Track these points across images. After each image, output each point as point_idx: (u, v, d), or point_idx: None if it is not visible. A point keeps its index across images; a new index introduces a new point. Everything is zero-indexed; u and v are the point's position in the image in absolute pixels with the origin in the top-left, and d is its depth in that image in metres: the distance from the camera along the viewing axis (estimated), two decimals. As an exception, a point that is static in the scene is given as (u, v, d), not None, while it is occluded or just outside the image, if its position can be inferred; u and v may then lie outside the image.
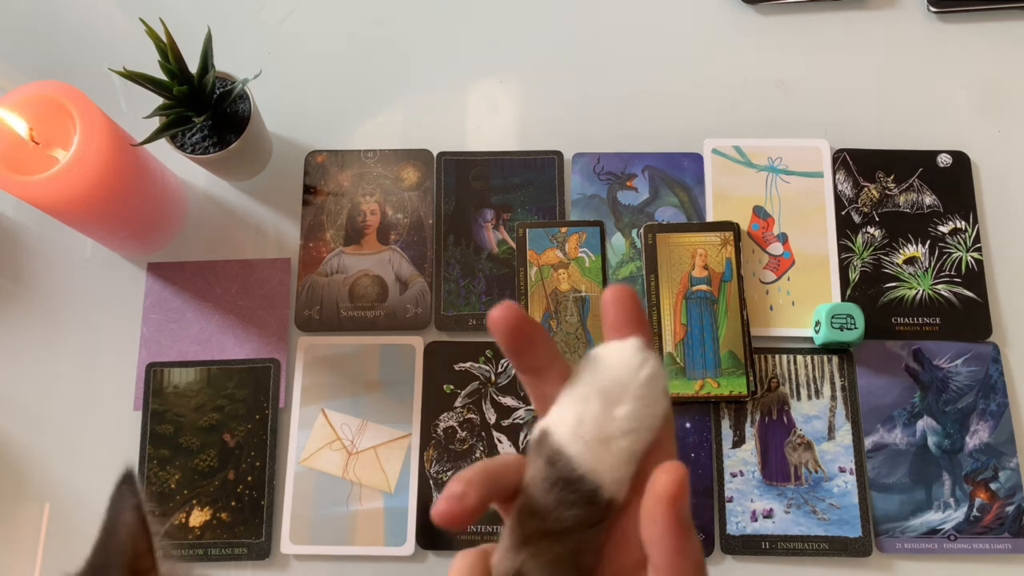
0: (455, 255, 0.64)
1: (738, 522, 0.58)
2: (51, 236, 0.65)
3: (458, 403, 0.61)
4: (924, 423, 0.60)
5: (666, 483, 0.26)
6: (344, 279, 0.63)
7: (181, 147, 0.60)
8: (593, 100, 0.68)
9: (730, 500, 0.58)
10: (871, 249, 0.63)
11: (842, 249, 0.63)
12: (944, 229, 0.64)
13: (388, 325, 0.62)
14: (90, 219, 0.58)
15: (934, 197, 0.64)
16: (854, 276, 0.63)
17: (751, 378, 0.60)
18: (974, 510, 0.58)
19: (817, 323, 0.60)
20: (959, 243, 0.63)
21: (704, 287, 0.62)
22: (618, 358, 0.28)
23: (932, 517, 0.58)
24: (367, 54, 0.70)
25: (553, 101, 0.68)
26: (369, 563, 0.58)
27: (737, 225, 0.63)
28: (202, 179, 0.67)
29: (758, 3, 0.69)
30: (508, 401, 0.61)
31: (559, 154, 0.66)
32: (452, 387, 0.61)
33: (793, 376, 0.61)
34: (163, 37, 0.54)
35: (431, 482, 0.59)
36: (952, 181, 0.64)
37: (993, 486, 0.58)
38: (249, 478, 0.59)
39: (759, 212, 0.64)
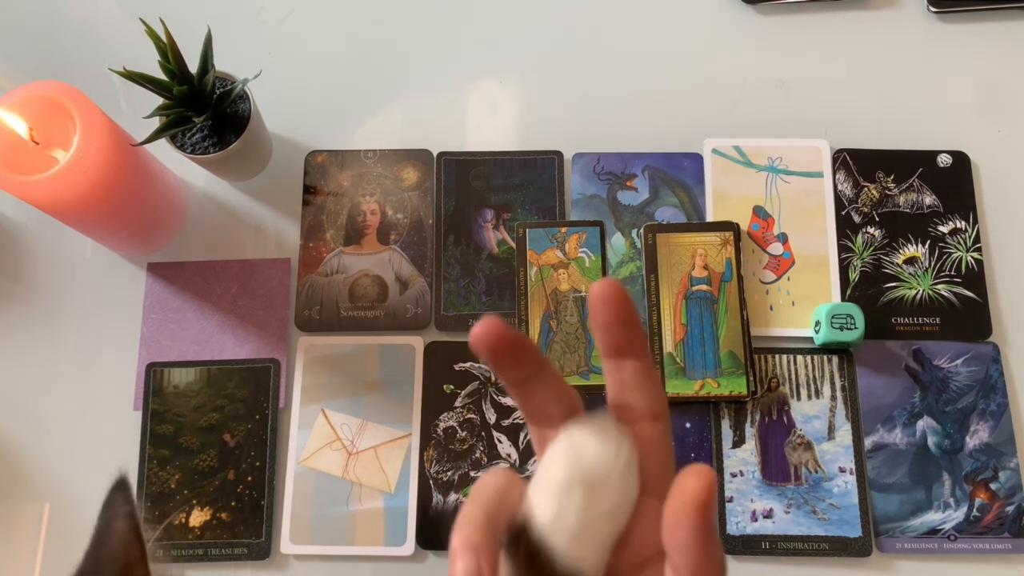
0: (455, 255, 0.64)
1: (738, 522, 0.58)
2: (51, 236, 0.65)
3: (458, 403, 0.61)
4: (924, 423, 0.60)
5: (696, 489, 0.25)
6: (344, 279, 0.63)
7: (181, 147, 0.60)
8: (593, 100, 0.68)
9: (730, 500, 0.58)
10: (871, 249, 0.63)
11: (842, 249, 0.63)
12: (944, 229, 0.64)
13: (388, 325, 0.62)
14: (90, 219, 0.58)
15: (934, 197, 0.64)
16: (854, 276, 0.63)
17: (751, 378, 0.60)
18: (974, 510, 0.58)
19: (817, 323, 0.60)
20: (959, 243, 0.63)
21: (704, 287, 0.62)
22: (595, 443, 0.27)
23: (932, 517, 0.58)
24: (367, 54, 0.70)
25: (553, 101, 0.68)
26: (369, 563, 0.58)
27: (737, 225, 0.63)
28: (202, 179, 0.67)
29: (758, 3, 0.69)
30: (508, 401, 0.61)
31: (559, 154, 0.66)
32: (452, 387, 0.61)
33: (793, 376, 0.61)
34: (163, 37, 0.54)
35: (431, 482, 0.59)
36: (952, 181, 0.64)
37: (993, 486, 0.58)
38: (249, 478, 0.59)
39: (759, 212, 0.64)
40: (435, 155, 0.66)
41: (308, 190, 0.66)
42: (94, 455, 0.61)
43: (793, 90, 0.67)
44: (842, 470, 0.59)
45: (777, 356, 0.61)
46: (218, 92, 0.60)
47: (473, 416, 0.61)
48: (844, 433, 0.59)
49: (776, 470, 0.59)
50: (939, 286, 0.62)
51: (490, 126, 0.68)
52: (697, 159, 0.65)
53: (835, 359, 0.61)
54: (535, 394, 0.29)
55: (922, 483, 0.58)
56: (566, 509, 0.26)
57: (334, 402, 0.61)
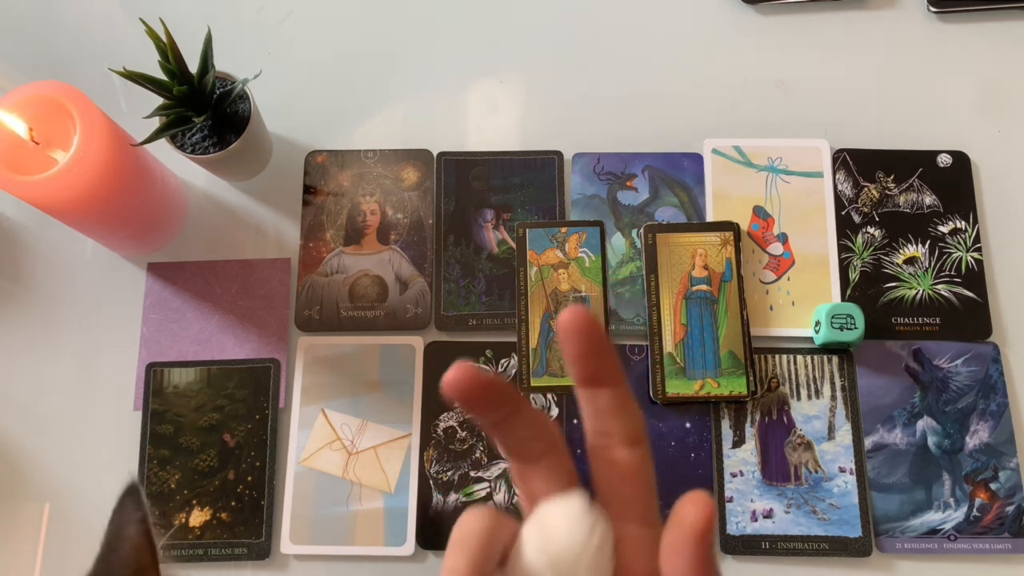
0: (455, 255, 0.64)
1: (738, 522, 0.58)
2: (51, 236, 0.65)
3: (458, 403, 0.61)
4: (924, 423, 0.60)
5: (695, 518, 0.25)
6: (344, 279, 0.63)
7: (181, 147, 0.60)
8: (593, 100, 0.68)
9: (730, 500, 0.58)
10: (871, 249, 0.63)
11: (842, 249, 0.63)
12: (944, 229, 0.64)
13: (388, 325, 0.62)
14: (90, 219, 0.58)
15: (934, 197, 0.64)
16: (854, 276, 0.63)
17: (751, 378, 0.60)
18: (974, 510, 0.58)
19: (817, 323, 0.60)
20: (959, 243, 0.63)
21: (704, 287, 0.62)
22: (567, 524, 0.27)
23: (932, 517, 0.58)
24: (367, 54, 0.70)
25: (553, 101, 0.68)
26: (369, 563, 0.58)
27: (737, 225, 0.63)
28: (202, 179, 0.67)
29: (758, 3, 0.69)
30: (508, 401, 0.61)
31: (559, 154, 0.66)
32: (452, 387, 0.61)
33: (793, 376, 0.61)
34: (163, 37, 0.54)
35: (431, 482, 0.59)
36: (952, 181, 0.64)
37: (993, 486, 0.58)
38: (249, 478, 0.59)
39: (759, 212, 0.64)
40: (435, 155, 0.66)
41: (308, 190, 0.66)
42: (94, 455, 0.61)
43: (793, 90, 0.67)
44: (842, 470, 0.59)
45: (777, 356, 0.61)
46: (218, 92, 0.60)
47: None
48: (844, 433, 0.59)
49: (776, 470, 0.59)
50: (939, 286, 0.62)
51: (490, 126, 0.68)
52: (697, 159, 0.65)
53: (835, 359, 0.61)
54: (512, 432, 0.28)
55: (922, 483, 0.58)
56: None
57: (334, 402, 0.61)
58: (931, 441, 0.59)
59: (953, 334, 0.61)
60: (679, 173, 0.65)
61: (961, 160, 0.65)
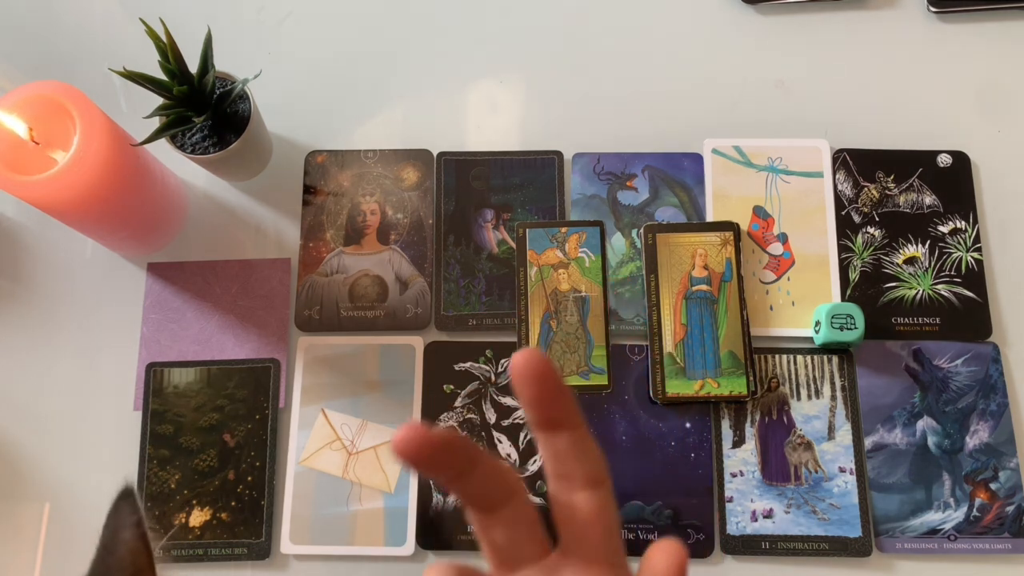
0: (455, 255, 0.64)
1: (738, 522, 0.58)
2: (51, 236, 0.65)
3: (458, 403, 0.61)
4: (924, 423, 0.60)
5: (666, 567, 0.25)
6: (344, 279, 0.63)
7: (181, 147, 0.60)
8: (593, 100, 0.68)
9: (730, 500, 0.58)
10: (871, 249, 0.63)
11: (842, 249, 0.63)
12: (944, 229, 0.64)
13: (388, 325, 0.62)
14: (90, 219, 0.58)
15: (934, 197, 0.64)
16: (854, 276, 0.63)
17: (751, 378, 0.60)
18: (974, 510, 0.58)
19: (817, 323, 0.60)
20: (959, 243, 0.63)
21: (704, 287, 0.62)
22: None
23: (932, 517, 0.58)
24: (367, 54, 0.70)
25: (553, 101, 0.68)
26: (369, 563, 0.58)
27: (737, 225, 0.63)
28: (202, 179, 0.67)
29: (758, 3, 0.69)
30: (508, 401, 0.61)
31: (559, 154, 0.66)
32: (452, 387, 0.61)
33: (793, 376, 0.61)
34: (163, 37, 0.54)
35: (431, 482, 0.59)
36: (952, 181, 0.64)
37: (993, 486, 0.58)
38: (249, 478, 0.59)
39: (759, 212, 0.64)
40: (435, 155, 0.66)
41: (308, 190, 0.66)
42: (94, 455, 0.61)
43: (793, 90, 0.67)
44: (842, 470, 0.59)
45: (777, 356, 0.61)
46: (218, 92, 0.60)
47: (473, 416, 0.61)
48: (844, 433, 0.59)
49: (776, 470, 0.59)
50: (939, 286, 0.62)
51: (490, 126, 0.68)
52: (697, 159, 0.65)
53: (835, 359, 0.61)
54: (471, 484, 0.27)
55: (922, 483, 0.58)
56: None
57: (334, 402, 0.61)
58: (931, 441, 0.59)
59: (953, 334, 0.61)
60: (679, 173, 0.65)
61: (961, 160, 0.65)
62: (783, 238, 0.64)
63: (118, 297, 0.64)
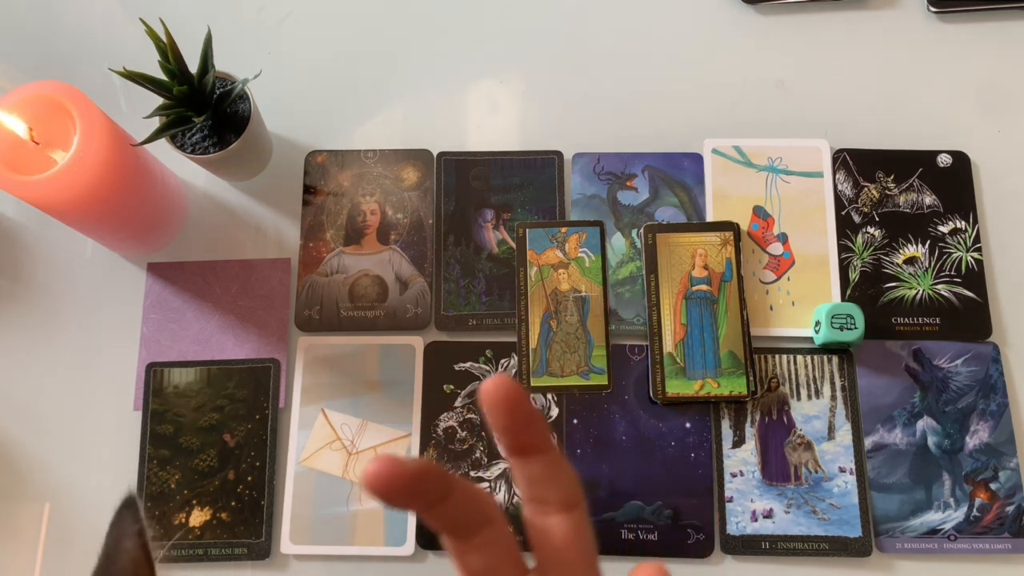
0: (455, 255, 0.64)
1: (738, 522, 0.58)
2: (51, 236, 0.65)
3: (458, 403, 0.61)
4: (924, 423, 0.60)
5: None
6: (344, 279, 0.63)
7: (181, 147, 0.60)
8: (593, 100, 0.68)
9: (730, 500, 0.58)
10: (871, 249, 0.63)
11: (842, 249, 0.63)
12: (944, 229, 0.64)
13: (388, 325, 0.62)
14: (90, 219, 0.58)
15: (934, 197, 0.64)
16: (854, 276, 0.63)
17: (751, 378, 0.60)
18: (974, 510, 0.58)
19: (817, 323, 0.60)
20: (959, 243, 0.63)
21: (704, 287, 0.62)
22: None
23: (932, 517, 0.58)
24: (367, 54, 0.70)
25: (553, 101, 0.68)
26: (369, 563, 0.58)
27: (737, 225, 0.63)
28: (202, 179, 0.67)
29: (758, 3, 0.69)
30: (508, 401, 0.61)
31: (559, 154, 0.66)
32: (452, 387, 0.61)
33: (793, 376, 0.61)
34: (163, 37, 0.54)
35: (431, 482, 0.59)
36: (952, 181, 0.64)
37: (993, 486, 0.58)
38: (249, 478, 0.59)
39: (759, 212, 0.64)
40: (435, 155, 0.66)
41: (308, 190, 0.66)
42: (94, 455, 0.61)
43: (793, 90, 0.67)
44: (842, 470, 0.59)
45: (777, 356, 0.61)
46: (218, 92, 0.60)
47: (473, 416, 0.61)
48: (844, 433, 0.59)
49: (776, 470, 0.59)
50: (939, 286, 0.62)
51: (490, 126, 0.68)
52: (697, 159, 0.65)
53: (835, 359, 0.61)
54: (446, 512, 0.27)
55: (922, 483, 0.58)
56: None
57: (334, 402, 0.61)
58: (931, 441, 0.59)
59: (953, 334, 0.61)
60: (679, 173, 0.65)
61: (961, 160, 0.65)
62: (783, 238, 0.64)
63: (118, 297, 0.64)
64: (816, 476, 0.59)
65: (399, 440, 0.60)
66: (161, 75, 0.56)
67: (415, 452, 0.60)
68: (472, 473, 0.59)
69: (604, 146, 0.66)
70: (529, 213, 0.65)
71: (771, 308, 0.62)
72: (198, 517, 0.59)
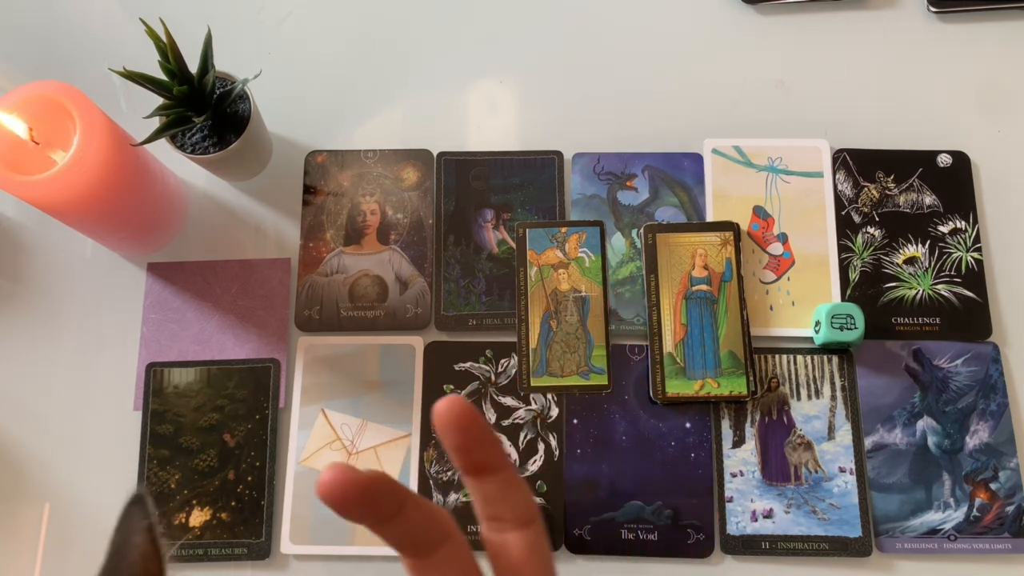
0: (455, 255, 0.64)
1: (738, 522, 0.58)
2: (51, 236, 0.65)
3: (458, 403, 0.61)
4: (924, 423, 0.60)
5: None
6: (344, 279, 0.63)
7: (181, 147, 0.60)
8: (593, 100, 0.68)
9: (730, 500, 0.58)
10: (871, 249, 0.63)
11: (842, 249, 0.63)
12: (944, 229, 0.64)
13: (388, 325, 0.62)
14: (90, 219, 0.58)
15: (934, 197, 0.64)
16: (854, 276, 0.63)
17: (751, 378, 0.60)
18: (974, 510, 0.58)
19: (817, 323, 0.60)
20: (959, 243, 0.63)
21: (704, 287, 0.62)
22: None
23: (932, 517, 0.58)
24: (367, 54, 0.70)
25: (553, 101, 0.68)
26: (369, 563, 0.58)
27: (737, 225, 0.63)
28: (202, 179, 0.67)
29: (758, 3, 0.69)
30: (508, 401, 0.61)
31: (559, 154, 0.66)
32: (452, 387, 0.61)
33: (793, 376, 0.61)
34: (163, 37, 0.54)
35: (431, 482, 0.59)
36: (952, 181, 0.64)
37: (993, 486, 0.58)
38: (249, 478, 0.59)
39: (759, 212, 0.64)
40: (435, 155, 0.66)
41: (308, 190, 0.66)
42: (94, 455, 0.61)
43: (793, 90, 0.67)
44: (842, 470, 0.59)
45: (777, 356, 0.61)
46: (218, 92, 0.60)
47: (473, 416, 0.60)
48: (844, 433, 0.59)
49: (776, 470, 0.59)
50: (939, 286, 0.62)
51: (490, 126, 0.68)
52: (697, 159, 0.65)
53: (835, 359, 0.61)
54: (401, 527, 0.26)
55: (922, 483, 0.58)
56: None
57: (334, 402, 0.61)
58: (931, 441, 0.59)
59: (953, 334, 0.61)
60: (679, 173, 0.65)
61: (961, 160, 0.65)
62: (783, 238, 0.64)
63: (118, 297, 0.64)
64: (816, 476, 0.59)
65: (399, 440, 0.60)
66: (161, 75, 0.56)
67: (415, 452, 0.60)
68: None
69: (604, 146, 0.66)
70: (529, 213, 0.65)
71: (771, 308, 0.62)
72: (198, 517, 0.59)
